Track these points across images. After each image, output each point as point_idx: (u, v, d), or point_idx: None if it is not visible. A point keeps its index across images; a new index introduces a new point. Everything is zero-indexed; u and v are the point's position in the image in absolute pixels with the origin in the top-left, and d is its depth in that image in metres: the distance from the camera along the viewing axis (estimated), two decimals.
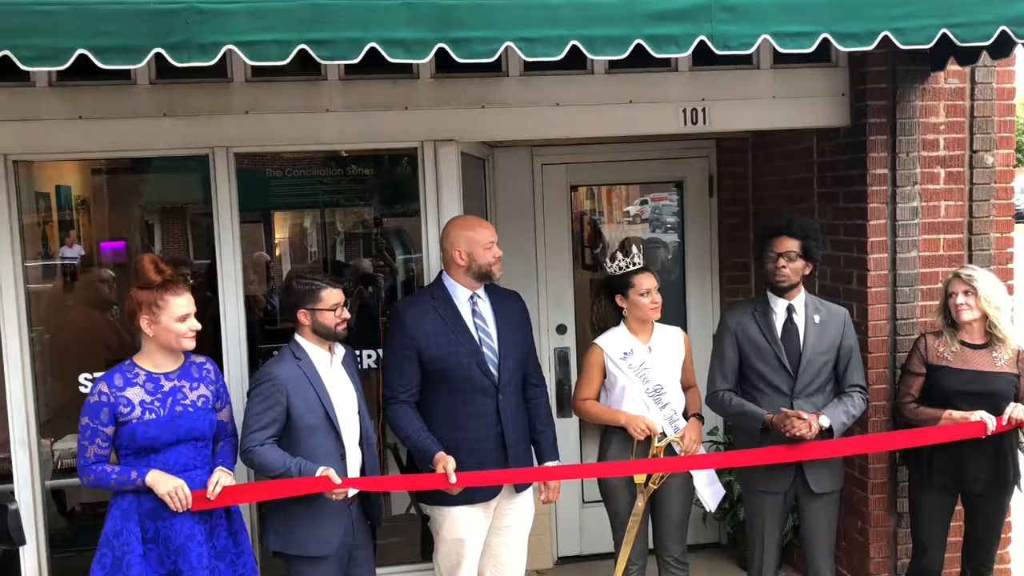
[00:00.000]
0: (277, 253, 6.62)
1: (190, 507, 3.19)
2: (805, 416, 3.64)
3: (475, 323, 3.66)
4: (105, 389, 3.17)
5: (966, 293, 3.82)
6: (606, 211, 5.95)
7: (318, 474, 3.28)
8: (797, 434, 3.62)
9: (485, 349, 3.64)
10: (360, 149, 4.63)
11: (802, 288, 3.89)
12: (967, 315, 3.82)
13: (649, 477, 3.82)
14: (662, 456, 3.81)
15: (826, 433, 3.71)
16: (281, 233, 6.80)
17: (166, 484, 3.16)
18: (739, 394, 3.89)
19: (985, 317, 3.82)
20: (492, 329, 3.68)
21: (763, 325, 3.84)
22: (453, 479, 3.40)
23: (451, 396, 3.61)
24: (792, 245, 3.78)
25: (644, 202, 6.07)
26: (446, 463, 3.43)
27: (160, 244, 6.38)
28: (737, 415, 3.86)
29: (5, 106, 3.79)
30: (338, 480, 3.29)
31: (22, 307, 3.91)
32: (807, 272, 3.87)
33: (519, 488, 3.75)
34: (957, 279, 3.86)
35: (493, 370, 3.63)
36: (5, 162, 3.85)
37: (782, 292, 3.84)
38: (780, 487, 3.84)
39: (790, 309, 3.85)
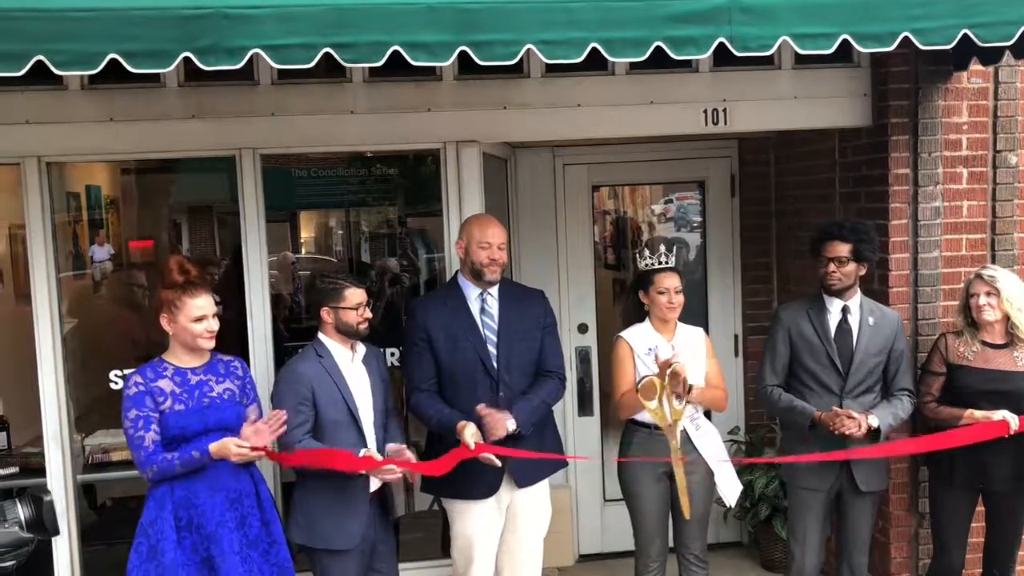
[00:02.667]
0: (303, 252, 6.69)
1: (259, 448, 3.25)
2: (855, 415, 3.68)
3: (482, 320, 3.73)
4: (140, 380, 3.28)
5: (988, 294, 3.81)
6: (629, 210, 5.97)
7: (361, 455, 3.40)
8: (846, 432, 3.65)
9: (490, 347, 3.70)
10: (384, 150, 4.68)
11: (858, 290, 3.92)
12: (989, 315, 3.81)
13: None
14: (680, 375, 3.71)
15: (874, 433, 3.74)
16: (306, 232, 6.87)
17: (227, 445, 3.24)
18: (787, 390, 3.93)
19: (1007, 318, 3.81)
20: (497, 326, 3.74)
21: (817, 324, 3.87)
22: (471, 446, 3.46)
23: (454, 391, 3.69)
24: (843, 249, 3.81)
25: (669, 201, 6.07)
26: (465, 430, 3.49)
27: (188, 243, 6.48)
28: (786, 410, 3.91)
29: (38, 109, 3.88)
30: (379, 458, 3.39)
31: (55, 305, 4.00)
32: (861, 273, 3.89)
33: (521, 483, 3.76)
34: (979, 280, 3.85)
35: (494, 367, 3.69)
36: (39, 164, 3.94)
37: (837, 294, 3.87)
38: (824, 484, 3.88)
39: (845, 310, 3.88)
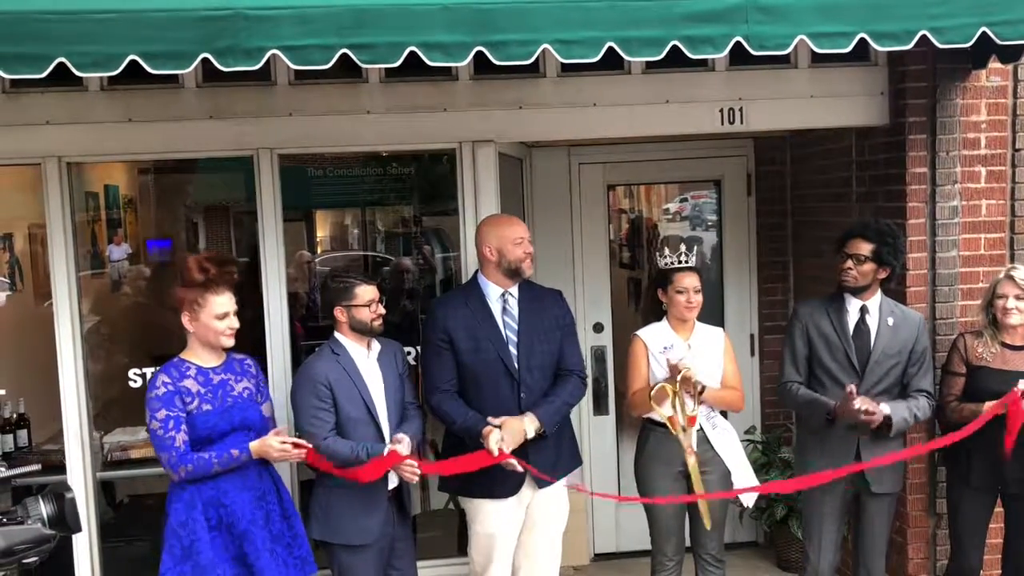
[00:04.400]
0: (320, 251, 6.71)
1: (302, 446, 3.30)
2: (870, 406, 3.65)
3: (504, 320, 3.73)
4: (167, 379, 3.30)
5: (1018, 297, 3.74)
6: (645, 209, 5.96)
7: (385, 452, 3.41)
8: (863, 408, 3.62)
9: (511, 347, 3.70)
10: (400, 150, 4.69)
11: (878, 291, 3.90)
12: (1014, 320, 3.77)
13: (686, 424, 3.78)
14: (691, 379, 3.71)
15: (886, 426, 3.72)
16: (323, 231, 6.89)
17: (270, 444, 3.28)
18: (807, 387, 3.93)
19: None
20: (518, 327, 3.73)
21: (836, 321, 3.87)
22: (495, 452, 3.46)
23: (476, 391, 3.68)
24: (863, 248, 3.78)
25: (684, 199, 6.07)
26: (490, 437, 3.49)
27: (205, 242, 6.51)
28: (805, 404, 3.90)
29: (59, 109, 3.91)
30: (406, 452, 3.39)
31: (75, 304, 4.04)
32: (882, 277, 3.86)
33: (541, 484, 3.75)
34: (1010, 281, 3.77)
35: (515, 367, 3.69)
36: (59, 164, 3.97)
37: (854, 293, 3.85)
38: (836, 485, 3.85)
39: (863, 310, 3.87)
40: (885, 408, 3.71)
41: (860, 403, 3.64)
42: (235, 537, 3.32)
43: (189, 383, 3.32)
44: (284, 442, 3.30)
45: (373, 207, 5.88)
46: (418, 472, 3.48)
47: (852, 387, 3.68)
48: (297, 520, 3.52)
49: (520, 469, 3.56)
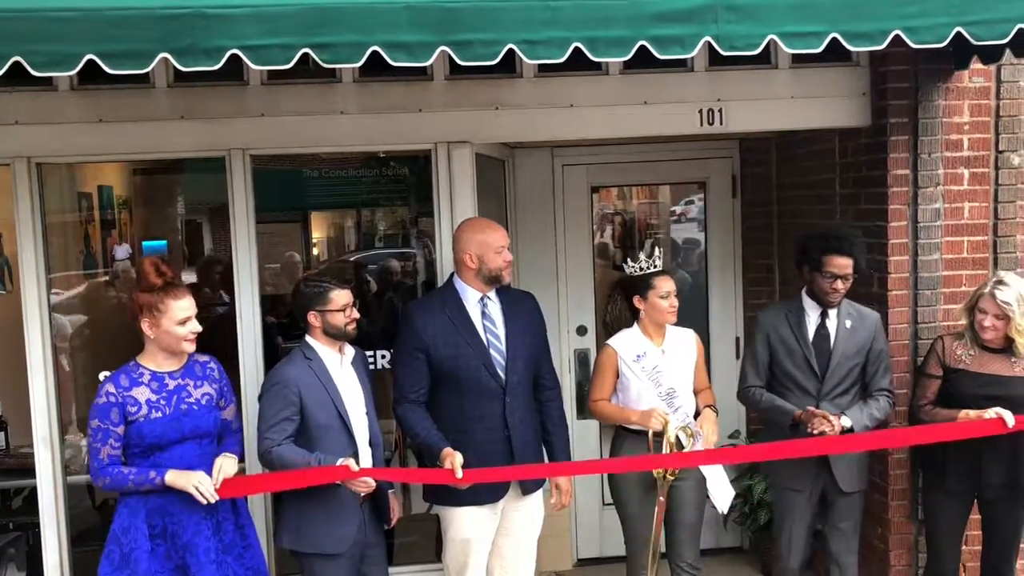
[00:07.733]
0: (316, 253, 6.68)
1: (216, 498, 3.21)
2: (829, 416, 3.68)
3: (484, 325, 3.66)
4: (112, 389, 3.20)
5: (997, 317, 3.69)
6: (639, 210, 5.90)
7: (338, 464, 3.31)
8: (817, 432, 3.66)
9: (493, 351, 3.64)
10: (376, 150, 4.65)
11: None
12: (990, 335, 3.74)
13: (665, 471, 3.80)
14: (675, 449, 3.75)
15: (847, 434, 3.72)
16: (318, 232, 6.87)
17: (188, 479, 3.19)
18: (769, 391, 3.94)
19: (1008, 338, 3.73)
20: (501, 331, 3.68)
21: (795, 328, 3.88)
22: (459, 474, 3.38)
23: (458, 398, 3.62)
24: (848, 265, 3.77)
25: (690, 201, 6.01)
26: (452, 458, 3.42)
27: (211, 243, 6.49)
28: (768, 409, 3.92)
29: (28, 109, 3.88)
30: (356, 468, 3.30)
31: (44, 307, 4.00)
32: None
33: (526, 490, 3.73)
34: (991, 300, 3.69)
35: (500, 373, 3.63)
36: (28, 164, 3.94)
37: (831, 305, 3.84)
38: (804, 484, 3.88)
39: (824, 315, 3.86)
40: (846, 421, 3.72)
41: (819, 424, 3.65)
42: (179, 548, 3.25)
43: (139, 391, 3.22)
44: (196, 487, 3.16)
45: (369, 208, 5.85)
46: (372, 486, 3.35)
47: (811, 408, 3.73)
48: (251, 530, 3.45)
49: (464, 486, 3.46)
